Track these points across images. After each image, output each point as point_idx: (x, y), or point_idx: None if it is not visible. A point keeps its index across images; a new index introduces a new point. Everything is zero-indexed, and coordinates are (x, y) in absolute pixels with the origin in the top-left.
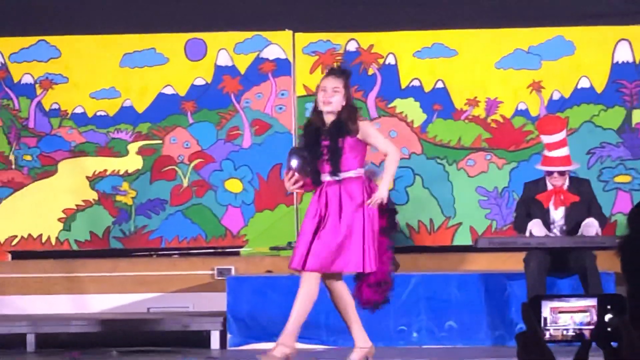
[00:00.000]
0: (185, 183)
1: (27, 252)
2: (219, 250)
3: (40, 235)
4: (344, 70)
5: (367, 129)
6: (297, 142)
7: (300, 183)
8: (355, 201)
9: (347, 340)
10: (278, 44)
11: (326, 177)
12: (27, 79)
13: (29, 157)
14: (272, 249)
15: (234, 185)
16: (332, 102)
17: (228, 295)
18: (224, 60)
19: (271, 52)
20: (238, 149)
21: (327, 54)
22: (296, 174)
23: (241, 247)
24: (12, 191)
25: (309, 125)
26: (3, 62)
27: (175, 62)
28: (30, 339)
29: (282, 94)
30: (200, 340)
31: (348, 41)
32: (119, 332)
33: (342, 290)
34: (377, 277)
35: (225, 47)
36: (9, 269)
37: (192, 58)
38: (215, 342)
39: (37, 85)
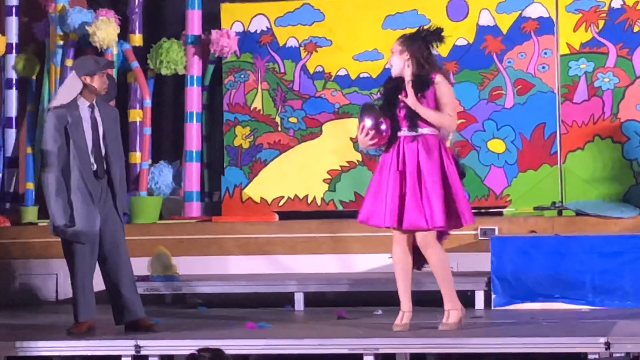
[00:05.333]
0: (448, 143)
1: (293, 212)
2: (482, 210)
3: (306, 196)
4: (403, 35)
5: (442, 87)
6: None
7: (376, 140)
8: (434, 157)
9: (614, 300)
10: (541, 2)
11: (404, 132)
12: (292, 43)
13: (294, 120)
14: (536, 208)
15: (496, 146)
16: (392, 66)
17: (492, 255)
18: (485, 20)
19: (534, 11)
20: (500, 109)
21: (591, 11)
22: (370, 131)
23: (504, 207)
24: (278, 153)
25: (389, 81)
26: (269, 26)
27: (436, 23)
28: (299, 297)
29: (545, 53)
30: (465, 299)
31: None
32: (383, 291)
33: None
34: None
35: (487, 7)
36: (276, 229)
37: (454, 18)
38: (479, 301)
39: (301, 49)
